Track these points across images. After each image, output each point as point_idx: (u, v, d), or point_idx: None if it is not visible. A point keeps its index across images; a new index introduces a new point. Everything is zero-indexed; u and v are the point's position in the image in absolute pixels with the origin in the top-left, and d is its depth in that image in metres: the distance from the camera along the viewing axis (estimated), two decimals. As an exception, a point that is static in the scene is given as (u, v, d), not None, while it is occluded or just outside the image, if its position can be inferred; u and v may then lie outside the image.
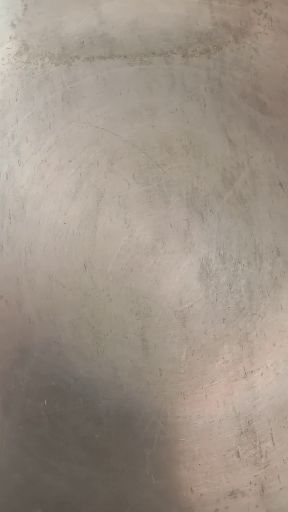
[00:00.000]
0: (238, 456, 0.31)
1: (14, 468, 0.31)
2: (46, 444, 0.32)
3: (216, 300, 0.32)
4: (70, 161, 0.33)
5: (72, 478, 0.31)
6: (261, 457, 0.31)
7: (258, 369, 0.31)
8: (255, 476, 0.31)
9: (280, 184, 0.33)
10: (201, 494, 0.31)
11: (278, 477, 0.30)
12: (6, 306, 0.32)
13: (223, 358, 0.32)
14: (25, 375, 0.32)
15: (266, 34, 0.34)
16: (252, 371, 0.31)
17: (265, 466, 0.31)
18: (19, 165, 0.33)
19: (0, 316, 0.32)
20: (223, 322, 0.32)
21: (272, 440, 0.31)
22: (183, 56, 0.34)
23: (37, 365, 0.32)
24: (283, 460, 0.31)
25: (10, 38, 0.34)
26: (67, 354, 0.32)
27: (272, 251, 0.32)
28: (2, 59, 0.34)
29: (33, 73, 0.34)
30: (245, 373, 0.32)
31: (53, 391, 0.32)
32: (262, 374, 0.31)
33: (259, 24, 0.34)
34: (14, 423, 0.32)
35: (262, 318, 0.32)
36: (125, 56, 0.34)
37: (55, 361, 0.32)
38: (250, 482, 0.31)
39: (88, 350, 0.32)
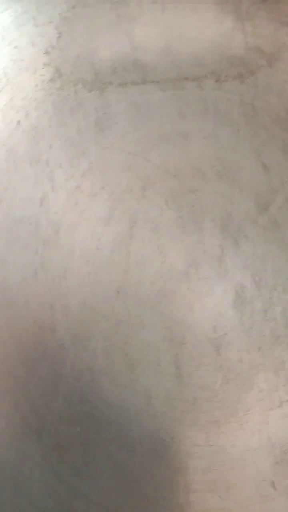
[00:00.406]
0: (273, 486, 0.31)
1: (47, 495, 0.31)
2: (78, 471, 0.31)
3: (251, 327, 0.32)
4: (103, 187, 0.33)
5: (104, 506, 0.31)
6: (298, 489, 0.30)
7: (294, 398, 0.31)
8: (292, 508, 0.30)
9: (314, 209, 0.33)
10: (237, 528, 0.30)
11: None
12: (40, 332, 0.32)
13: (258, 386, 0.31)
14: (58, 402, 0.32)
15: (300, 58, 0.34)
16: (287, 400, 0.31)
17: (302, 498, 0.30)
18: (53, 191, 0.33)
19: (33, 341, 0.32)
20: (259, 350, 0.32)
21: (309, 472, 0.30)
22: (216, 81, 0.34)
23: (70, 391, 0.32)
24: None
25: (44, 65, 0.34)
26: (100, 381, 0.32)
27: (308, 278, 0.32)
28: (36, 85, 0.34)
29: (66, 100, 0.34)
30: (281, 402, 0.31)
31: (86, 418, 0.32)
32: (298, 404, 0.31)
33: (292, 49, 0.34)
34: (47, 450, 0.32)
35: (298, 346, 0.31)
36: (157, 82, 0.34)
37: (88, 388, 0.32)
38: (286, 515, 0.30)
39: (121, 377, 0.32)
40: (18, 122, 0.34)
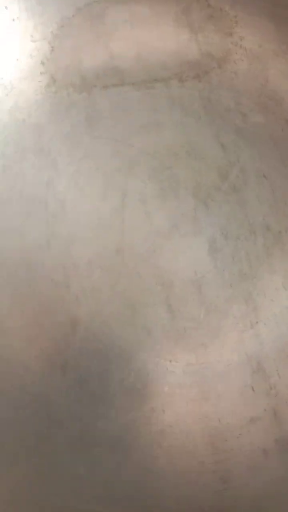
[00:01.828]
0: (253, 390, 0.39)
1: (74, 418, 0.38)
2: (97, 397, 0.39)
3: (224, 269, 0.40)
4: (97, 169, 0.41)
5: (120, 423, 0.39)
6: (271, 389, 0.39)
7: (262, 320, 0.40)
8: (268, 404, 0.39)
9: (264, 176, 0.42)
10: (227, 423, 0.39)
11: (286, 402, 0.39)
12: (56, 288, 0.39)
13: (233, 314, 0.40)
14: (77, 341, 0.39)
15: (242, 60, 0.44)
16: (257, 322, 0.40)
17: (275, 396, 0.39)
18: (56, 175, 0.41)
19: (51, 296, 0.39)
20: (230, 286, 0.40)
21: (278, 374, 0.39)
22: (179, 81, 0.43)
23: (85, 332, 0.39)
24: (288, 389, 0.39)
25: (41, 73, 0.42)
26: (108, 322, 0.39)
27: (263, 228, 0.41)
28: (35, 90, 0.42)
29: (61, 101, 0.42)
30: (251, 325, 0.40)
31: (100, 353, 0.39)
32: (265, 324, 0.40)
33: (236, 53, 0.44)
34: (70, 382, 0.39)
35: (260, 280, 0.40)
36: (133, 84, 0.43)
37: (100, 328, 0.39)
38: (265, 410, 0.39)
39: (125, 317, 0.39)
40: (23, 120, 0.41)
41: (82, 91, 0.42)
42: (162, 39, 0.43)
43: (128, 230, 0.41)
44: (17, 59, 0.41)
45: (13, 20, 0.41)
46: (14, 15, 0.41)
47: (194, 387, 0.39)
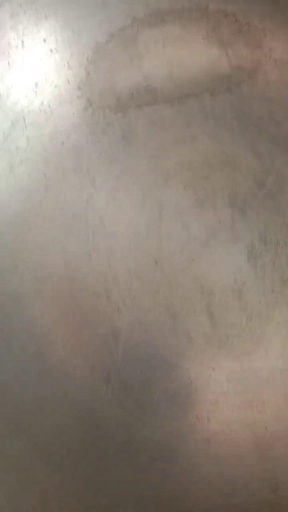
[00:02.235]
0: (299, 397, 0.38)
1: (119, 427, 0.39)
2: (141, 405, 0.39)
3: (264, 275, 0.40)
4: (134, 184, 0.43)
5: (167, 430, 0.39)
6: None
7: (305, 325, 0.39)
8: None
9: (300, 181, 0.42)
10: (274, 430, 0.38)
11: None
12: (98, 299, 0.41)
13: (275, 320, 0.40)
14: (119, 352, 0.40)
15: (273, 70, 0.44)
16: (300, 327, 0.39)
17: None
18: (95, 192, 0.43)
19: (93, 307, 0.41)
20: (272, 292, 0.40)
21: None
22: (211, 95, 0.44)
23: (127, 342, 0.40)
24: None
25: (78, 97, 0.44)
26: (150, 331, 0.40)
27: (302, 232, 0.41)
28: (73, 113, 0.44)
29: (97, 122, 0.44)
30: (295, 330, 0.39)
31: (142, 362, 0.40)
32: (309, 329, 0.39)
33: (266, 64, 0.44)
34: (114, 391, 0.39)
35: (302, 285, 0.40)
36: (166, 101, 0.44)
37: (141, 338, 0.40)
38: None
39: (165, 326, 0.40)
40: (62, 143, 0.44)
41: (117, 112, 0.44)
42: (193, 56, 0.45)
43: (165, 241, 0.41)
44: (56, 86, 0.44)
45: (51, 50, 0.44)
46: (52, 46, 0.44)
47: (239, 394, 0.39)
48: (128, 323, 0.40)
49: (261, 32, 0.45)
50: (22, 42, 0.44)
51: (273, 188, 0.42)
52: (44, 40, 0.44)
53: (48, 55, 0.44)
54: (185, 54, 0.45)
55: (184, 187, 0.42)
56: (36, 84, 0.44)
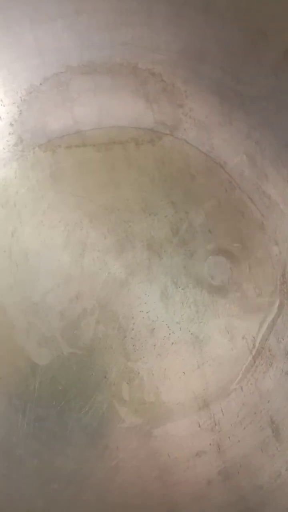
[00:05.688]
0: (199, 426, 0.43)
1: (32, 455, 0.41)
2: (55, 435, 0.41)
3: (174, 313, 0.45)
4: (59, 221, 0.45)
5: (78, 460, 0.41)
6: (215, 425, 0.43)
7: (207, 362, 0.44)
8: (212, 439, 0.42)
9: (209, 231, 0.47)
10: (175, 457, 0.42)
11: (228, 437, 0.43)
12: (16, 333, 0.42)
13: (182, 356, 0.44)
14: (36, 386, 0.42)
15: (191, 128, 0.49)
16: (203, 363, 0.44)
17: (219, 431, 0.43)
18: (21, 226, 0.44)
19: (10, 340, 0.42)
20: (180, 330, 0.44)
21: (222, 411, 0.43)
22: (136, 144, 0.48)
23: (43, 378, 0.42)
24: (230, 425, 0.43)
25: (9, 133, 0.46)
26: (65, 367, 0.42)
27: (207, 279, 0.46)
28: (4, 148, 0.46)
29: (27, 158, 0.46)
30: (198, 365, 0.44)
31: (58, 395, 0.42)
32: (210, 365, 0.44)
33: (186, 122, 0.49)
34: (29, 421, 0.41)
35: (206, 324, 0.45)
36: (94, 145, 0.47)
37: (58, 371, 0.42)
38: (210, 444, 0.42)
39: (82, 360, 0.43)
40: (-9, 175, 0.45)
41: (47, 150, 0.46)
42: (121, 106, 0.48)
43: (87, 278, 0.44)
44: (-12, 121, 0.45)
45: (-15, 85, 0.45)
46: (-13, 81, 0.45)
47: (145, 424, 0.42)
48: (46, 357, 0.42)
49: (183, 94, 0.50)
50: None
51: (185, 236, 0.47)
52: (-22, 74, 0.45)
53: (-17, 91, 0.45)
54: (114, 104, 0.48)
55: (108, 229, 0.45)
56: None
